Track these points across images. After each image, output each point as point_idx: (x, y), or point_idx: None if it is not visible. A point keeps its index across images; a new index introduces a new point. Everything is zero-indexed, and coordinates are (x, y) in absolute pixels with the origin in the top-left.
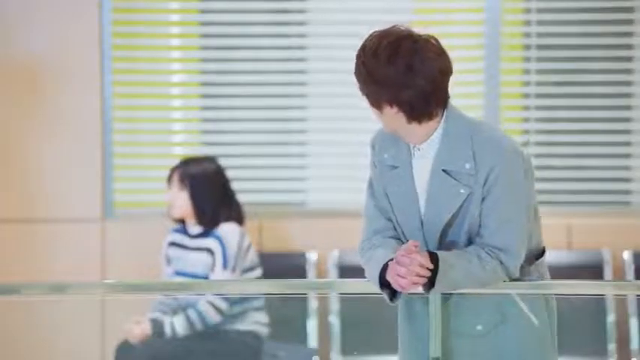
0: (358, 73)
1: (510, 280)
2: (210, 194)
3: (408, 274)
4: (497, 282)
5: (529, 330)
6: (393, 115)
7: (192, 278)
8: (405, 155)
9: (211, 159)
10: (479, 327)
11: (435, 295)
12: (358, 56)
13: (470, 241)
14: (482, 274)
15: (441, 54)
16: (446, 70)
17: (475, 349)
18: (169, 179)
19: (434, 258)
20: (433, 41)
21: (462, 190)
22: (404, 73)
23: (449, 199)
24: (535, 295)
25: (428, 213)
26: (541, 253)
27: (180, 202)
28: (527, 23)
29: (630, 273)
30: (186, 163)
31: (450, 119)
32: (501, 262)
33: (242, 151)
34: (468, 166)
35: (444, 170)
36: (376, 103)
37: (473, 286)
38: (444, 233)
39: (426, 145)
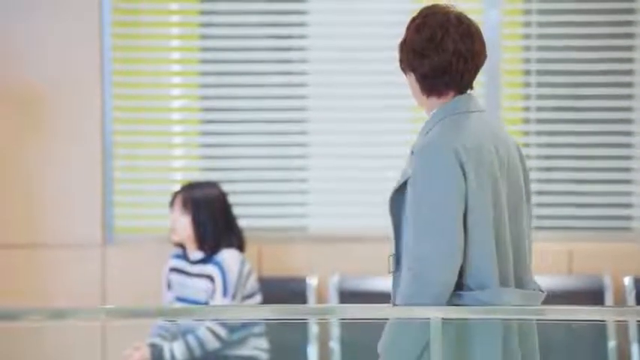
0: (403, 36)
1: (455, 291)
2: (213, 220)
3: None
4: (434, 296)
5: None
6: (413, 82)
7: (194, 304)
8: None
9: (214, 184)
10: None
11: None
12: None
13: None
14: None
15: (467, 38)
16: (464, 55)
17: None
18: (172, 203)
19: None
20: (468, 25)
21: (409, 170)
22: (425, 43)
23: (401, 177)
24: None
25: None
26: (470, 285)
27: (182, 226)
28: (527, 49)
29: (631, 299)
30: (190, 187)
31: (447, 106)
32: (420, 274)
33: (242, 176)
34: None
35: (412, 150)
36: (403, 67)
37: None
38: (394, 215)
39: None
